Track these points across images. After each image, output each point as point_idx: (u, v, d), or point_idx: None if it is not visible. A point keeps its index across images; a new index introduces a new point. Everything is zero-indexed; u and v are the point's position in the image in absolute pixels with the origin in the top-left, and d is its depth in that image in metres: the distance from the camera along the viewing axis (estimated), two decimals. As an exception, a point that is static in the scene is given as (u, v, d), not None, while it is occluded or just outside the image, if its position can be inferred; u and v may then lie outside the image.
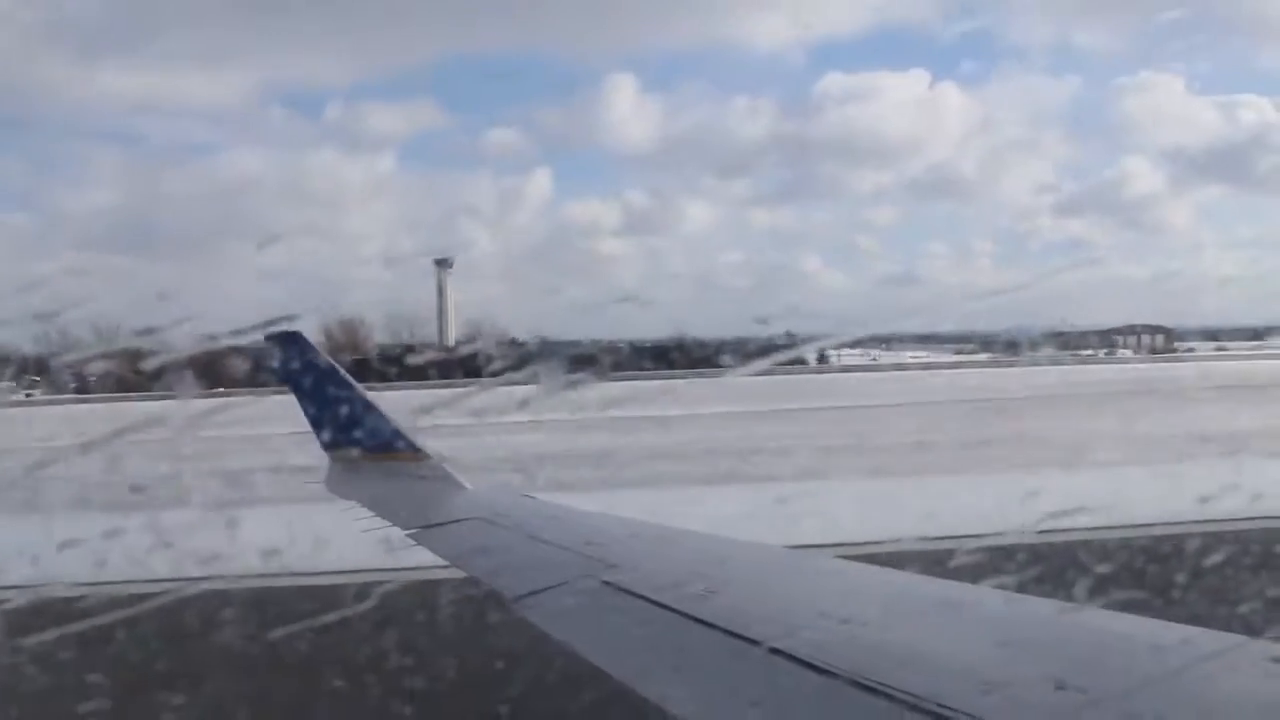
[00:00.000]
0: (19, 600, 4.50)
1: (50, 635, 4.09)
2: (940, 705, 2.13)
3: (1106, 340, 74.02)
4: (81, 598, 4.57)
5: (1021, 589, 3.08)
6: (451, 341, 56.14)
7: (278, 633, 6.30)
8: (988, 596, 3.07)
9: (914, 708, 2.15)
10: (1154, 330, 74.69)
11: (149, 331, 3.08)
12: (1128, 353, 72.13)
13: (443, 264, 69.33)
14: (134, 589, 4.75)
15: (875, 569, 3.71)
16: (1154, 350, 73.90)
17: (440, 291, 66.26)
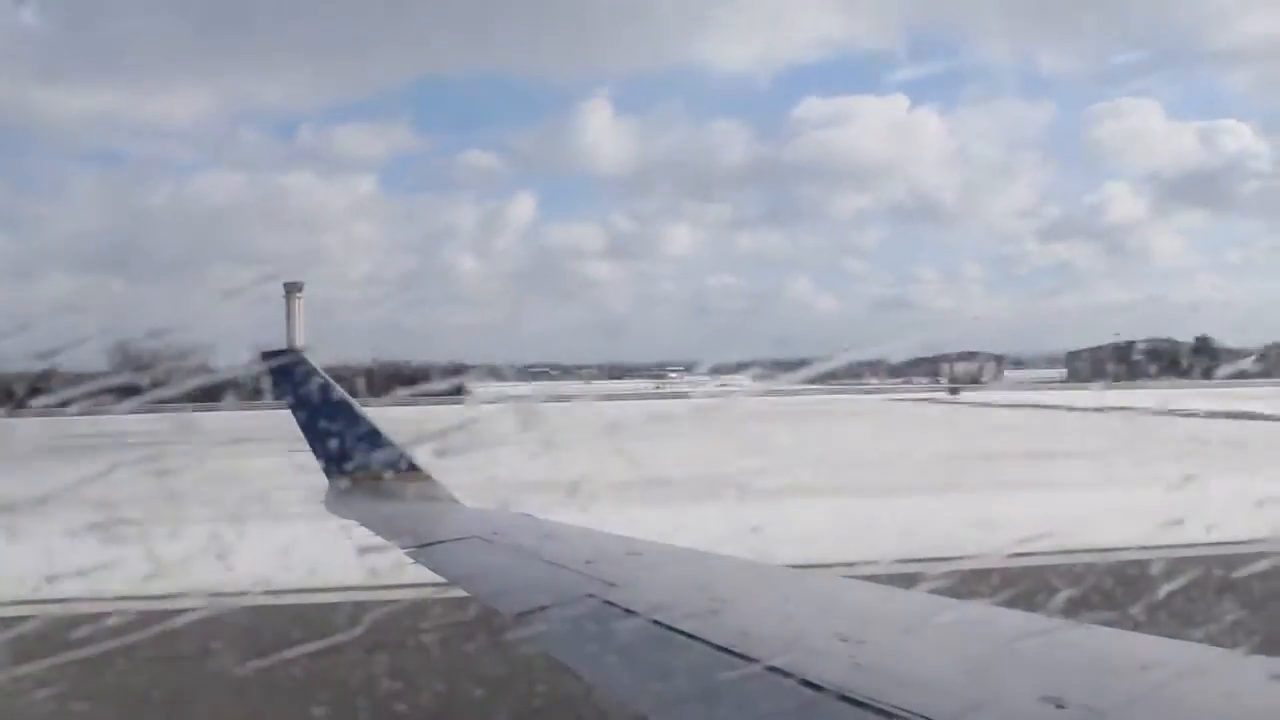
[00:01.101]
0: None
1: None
2: None
3: (932, 368, 77.31)
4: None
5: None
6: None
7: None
8: (990, 614, 3.07)
9: None
10: (990, 359, 76.50)
11: (158, 338, 3.09)
12: (927, 381, 74.79)
13: (292, 288, 67.65)
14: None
15: (875, 586, 3.72)
16: (955, 380, 75.06)
17: (289, 315, 64.33)
